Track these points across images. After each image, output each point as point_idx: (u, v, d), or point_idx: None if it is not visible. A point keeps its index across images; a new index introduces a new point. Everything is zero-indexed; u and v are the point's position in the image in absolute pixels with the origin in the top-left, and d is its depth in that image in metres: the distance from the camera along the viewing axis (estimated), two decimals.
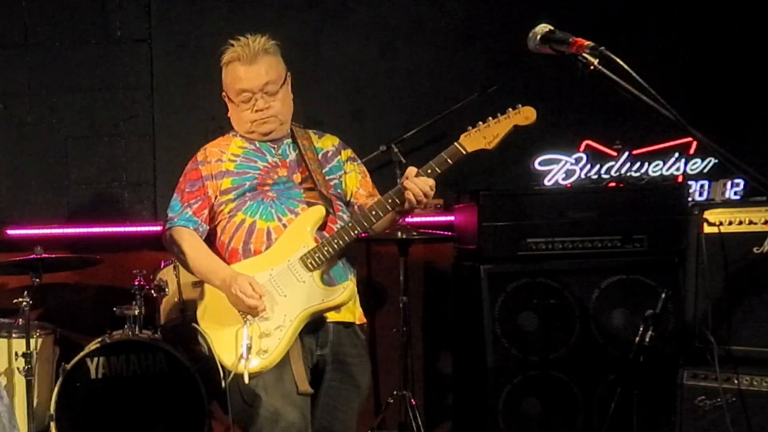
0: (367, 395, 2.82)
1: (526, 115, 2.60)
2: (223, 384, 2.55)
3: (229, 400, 2.60)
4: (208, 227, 2.74)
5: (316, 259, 2.57)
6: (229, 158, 2.73)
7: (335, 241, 2.58)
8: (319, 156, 2.76)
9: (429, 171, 2.57)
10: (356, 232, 2.58)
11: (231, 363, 2.53)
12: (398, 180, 4.11)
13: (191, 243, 2.68)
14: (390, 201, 2.58)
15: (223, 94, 2.77)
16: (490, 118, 2.57)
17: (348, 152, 2.86)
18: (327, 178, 2.74)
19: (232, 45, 2.69)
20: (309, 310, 2.57)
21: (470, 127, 2.58)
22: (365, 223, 2.58)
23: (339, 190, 2.76)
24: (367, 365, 2.79)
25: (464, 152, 2.57)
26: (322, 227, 2.66)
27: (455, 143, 2.58)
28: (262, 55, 2.65)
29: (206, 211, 2.71)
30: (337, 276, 2.67)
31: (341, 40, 4.65)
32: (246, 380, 2.49)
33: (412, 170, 2.58)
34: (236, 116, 2.74)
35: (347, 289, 2.61)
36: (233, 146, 2.76)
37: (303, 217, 2.65)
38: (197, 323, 2.65)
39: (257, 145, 2.75)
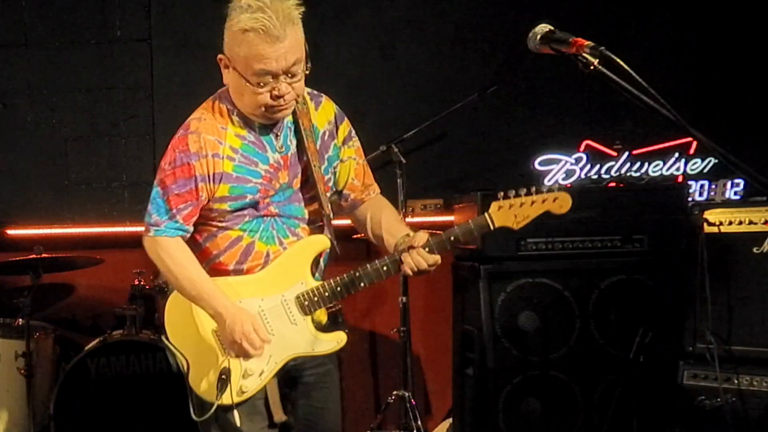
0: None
1: (561, 203, 2.40)
2: (194, 416, 2.40)
3: (201, 426, 2.46)
4: (192, 230, 2.43)
5: (315, 303, 2.39)
6: (228, 154, 2.34)
7: (338, 289, 2.38)
8: (318, 143, 2.46)
9: (450, 241, 2.37)
10: (363, 285, 2.39)
11: (209, 397, 2.37)
12: (398, 180, 4.14)
13: (181, 260, 2.37)
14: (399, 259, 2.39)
15: (222, 57, 2.33)
16: (523, 193, 2.37)
17: (344, 127, 2.53)
18: (325, 178, 2.48)
19: (251, 6, 2.20)
20: (295, 355, 2.42)
21: (501, 194, 2.37)
22: (374, 279, 2.39)
23: (334, 189, 2.55)
24: (336, 364, 2.63)
25: (492, 228, 2.38)
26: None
27: (486, 214, 2.37)
28: (290, 27, 2.19)
29: (195, 216, 2.39)
30: (332, 322, 2.50)
31: (341, 40, 4.65)
32: (238, 423, 2.35)
33: (422, 238, 2.37)
34: (246, 96, 2.29)
35: (340, 342, 2.45)
36: (230, 133, 2.36)
37: (303, 245, 2.43)
38: (168, 338, 2.45)
39: (257, 132, 2.39)
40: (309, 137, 2.42)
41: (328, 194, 2.51)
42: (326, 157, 2.49)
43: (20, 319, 3.85)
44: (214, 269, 2.42)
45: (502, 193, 2.38)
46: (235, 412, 2.35)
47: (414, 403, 4.14)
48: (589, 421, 3.84)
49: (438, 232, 4.29)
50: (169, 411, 3.92)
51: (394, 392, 4.20)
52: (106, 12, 4.57)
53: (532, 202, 2.37)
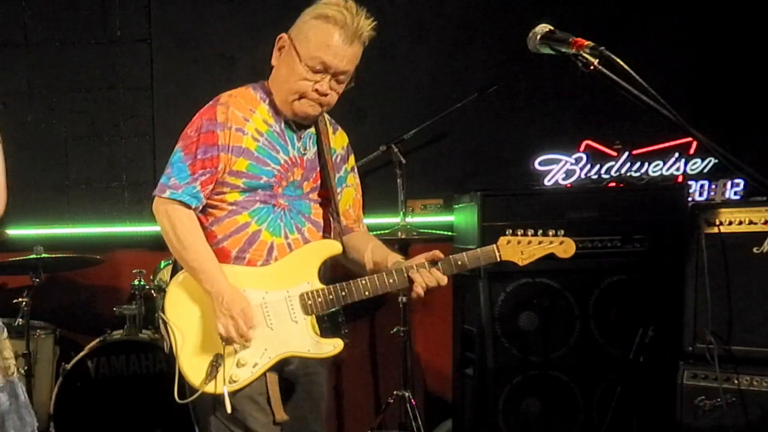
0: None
1: (566, 248, 2.49)
2: (177, 398, 2.38)
3: (194, 416, 2.46)
4: (204, 203, 2.42)
5: (318, 305, 2.40)
6: (253, 134, 2.39)
7: (343, 293, 2.40)
8: (332, 160, 2.56)
9: (457, 265, 2.42)
10: (368, 294, 2.41)
11: (198, 381, 2.35)
12: (398, 180, 4.14)
13: (191, 230, 2.37)
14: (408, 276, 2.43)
15: (284, 36, 2.41)
16: (531, 232, 2.49)
17: (352, 160, 2.66)
18: (337, 189, 2.56)
19: (340, 4, 2.35)
20: (291, 354, 2.40)
21: (509, 231, 2.49)
22: (380, 290, 2.42)
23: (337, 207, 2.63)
24: (325, 374, 2.65)
25: (499, 260, 2.46)
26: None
27: (494, 246, 2.46)
28: (359, 42, 2.39)
29: (211, 186, 2.38)
30: (332, 326, 2.50)
31: None
32: (228, 410, 2.31)
33: (437, 254, 2.44)
34: (291, 79, 2.37)
35: (337, 348, 2.44)
36: (258, 117, 2.41)
37: (314, 248, 2.46)
38: (164, 312, 2.40)
39: (282, 126, 2.44)
40: (327, 152, 2.51)
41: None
42: (337, 177, 2.57)
43: (20, 319, 3.85)
44: (217, 254, 2.39)
45: (510, 231, 2.49)
46: (227, 399, 2.30)
47: (414, 403, 4.14)
48: (589, 421, 3.84)
49: (437, 232, 4.31)
50: (169, 411, 3.92)
51: (394, 392, 4.20)
52: (106, 12, 4.56)
53: (539, 242, 2.47)
